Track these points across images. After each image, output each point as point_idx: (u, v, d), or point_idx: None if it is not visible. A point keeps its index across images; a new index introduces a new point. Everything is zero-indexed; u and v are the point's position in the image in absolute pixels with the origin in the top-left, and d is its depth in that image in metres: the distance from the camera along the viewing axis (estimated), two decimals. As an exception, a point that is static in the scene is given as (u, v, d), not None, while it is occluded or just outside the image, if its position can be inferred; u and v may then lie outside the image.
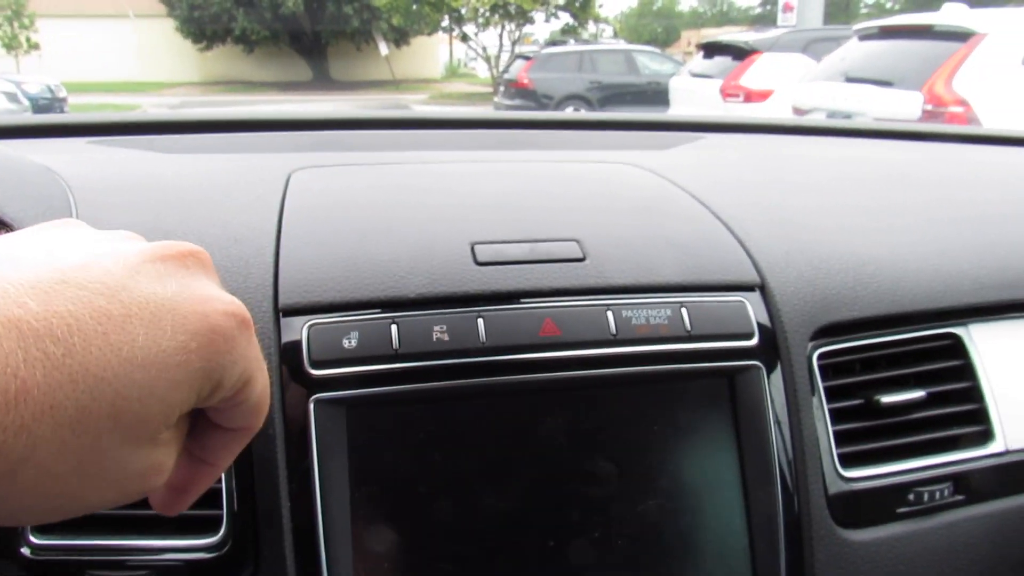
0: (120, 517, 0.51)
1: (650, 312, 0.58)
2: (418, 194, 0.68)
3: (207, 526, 0.51)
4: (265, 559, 0.51)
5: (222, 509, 0.51)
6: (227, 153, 0.85)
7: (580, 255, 0.61)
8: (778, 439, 0.59)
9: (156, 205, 0.65)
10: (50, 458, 0.28)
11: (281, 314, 0.55)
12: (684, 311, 0.59)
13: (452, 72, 27.76)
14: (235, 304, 0.34)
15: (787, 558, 0.58)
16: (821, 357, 0.63)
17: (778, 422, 0.59)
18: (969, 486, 0.65)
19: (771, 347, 0.61)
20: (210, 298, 0.33)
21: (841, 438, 0.62)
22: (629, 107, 11.46)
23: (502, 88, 12.62)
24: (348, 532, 0.51)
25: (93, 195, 0.65)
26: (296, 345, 0.53)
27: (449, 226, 0.62)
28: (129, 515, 0.51)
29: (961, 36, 4.66)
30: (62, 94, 12.43)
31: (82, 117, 1.01)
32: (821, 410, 0.62)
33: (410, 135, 1.04)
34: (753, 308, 0.61)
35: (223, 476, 0.51)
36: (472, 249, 0.60)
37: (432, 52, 25.72)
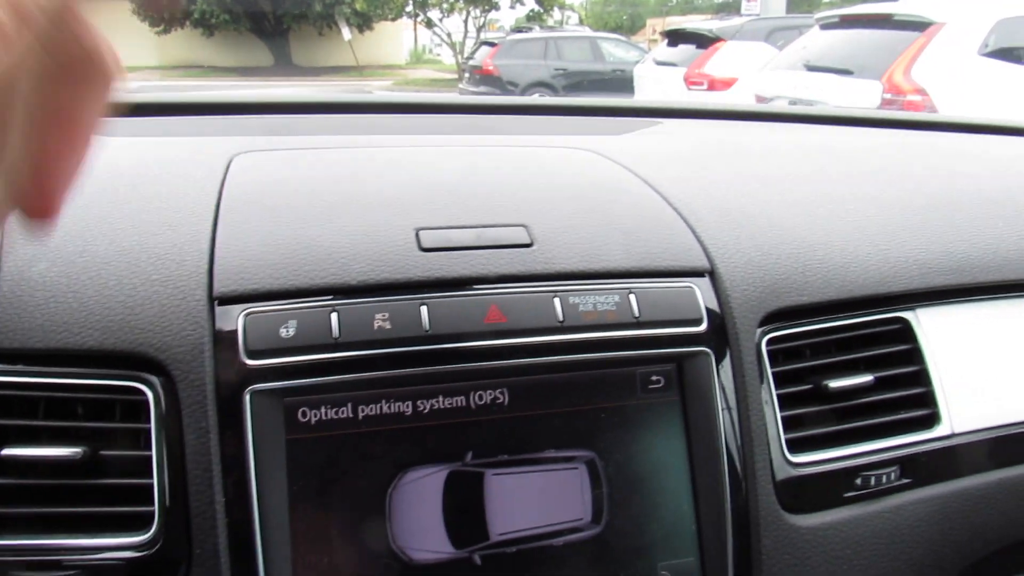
0: (47, 516, 0.49)
1: (598, 298, 0.58)
2: (363, 179, 0.66)
3: (139, 523, 0.50)
4: (198, 557, 0.49)
5: (153, 505, 0.49)
6: (168, 137, 0.82)
7: (528, 241, 0.60)
8: (726, 425, 0.59)
9: (87, 191, 0.62)
10: None
11: (216, 302, 0.53)
12: (632, 297, 0.58)
13: (417, 58, 27.51)
14: None
15: (734, 544, 0.58)
16: (770, 342, 0.63)
17: (727, 408, 0.59)
18: (915, 469, 0.65)
19: (720, 333, 0.60)
20: None
21: (789, 423, 0.62)
22: (594, 94, 11.45)
23: (467, 74, 12.54)
24: (286, 528, 0.50)
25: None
26: (231, 334, 0.51)
27: (394, 211, 0.61)
28: (57, 513, 0.49)
29: (919, 25, 4.72)
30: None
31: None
32: (769, 396, 0.62)
33: (363, 120, 1.02)
34: (702, 294, 0.61)
35: (155, 471, 0.50)
36: (417, 235, 0.58)
37: (396, 38, 25.46)
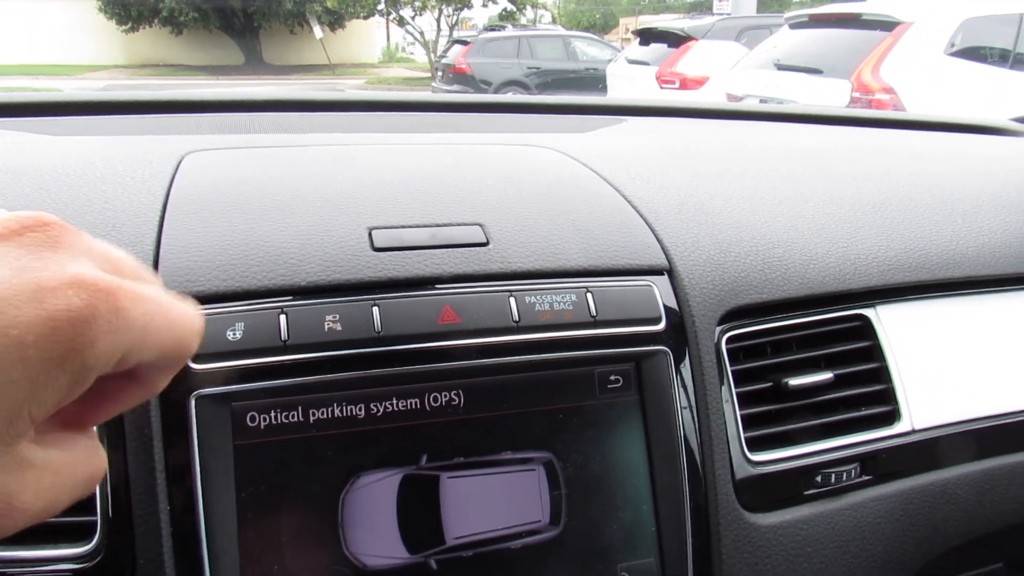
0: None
1: (554, 297, 0.57)
2: (315, 178, 0.65)
3: (80, 534, 0.48)
4: (142, 567, 0.47)
5: (96, 515, 0.48)
6: (118, 135, 0.80)
7: (483, 239, 0.59)
8: (686, 424, 0.58)
9: (30, 190, 0.61)
10: None
11: None
12: (589, 296, 0.57)
13: (389, 57, 27.39)
14: (86, 281, 0.29)
15: (694, 543, 0.57)
16: (730, 340, 0.63)
17: (686, 407, 0.59)
18: (876, 466, 0.65)
19: (679, 331, 0.60)
20: (49, 282, 0.28)
21: (749, 422, 0.62)
22: (567, 93, 11.47)
23: (440, 73, 12.51)
24: (234, 536, 0.49)
25: (-38, 180, 0.60)
26: None
27: (346, 210, 0.59)
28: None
29: (888, 25, 4.78)
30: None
31: (-36, 98, 0.94)
32: (729, 394, 0.61)
33: (322, 118, 1.00)
34: (661, 292, 0.60)
35: None
36: (370, 234, 0.57)
37: (368, 36, 25.30)
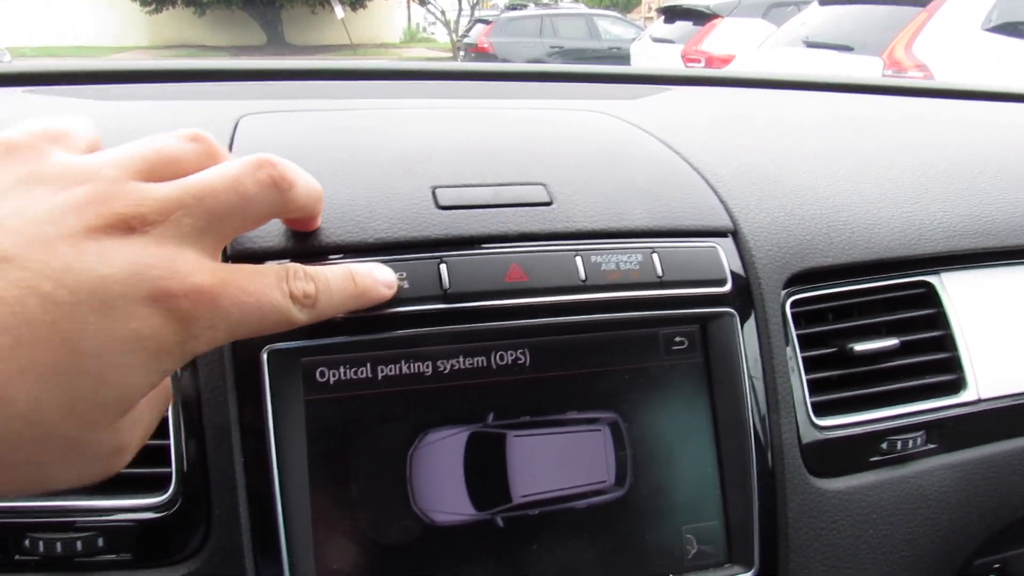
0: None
1: (620, 258, 0.56)
2: (376, 137, 0.64)
3: (156, 485, 0.48)
4: (217, 519, 0.48)
5: (171, 467, 0.48)
6: (174, 100, 0.80)
7: (547, 199, 0.58)
8: (751, 387, 0.57)
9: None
10: (2, 449, 0.27)
11: (231, 260, 0.51)
12: (655, 257, 0.57)
13: (411, 37, 27.28)
14: (195, 271, 0.32)
15: (759, 507, 0.57)
16: (794, 305, 0.62)
17: (751, 370, 0.58)
18: (941, 435, 0.64)
19: (744, 294, 0.59)
20: (162, 273, 0.31)
21: (814, 387, 0.61)
22: (591, 73, 11.35)
23: (462, 53, 12.46)
24: (306, 489, 0.49)
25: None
26: None
27: (409, 169, 0.59)
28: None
29: (921, 0, 4.68)
30: (7, 59, 11.96)
31: (20, 66, 0.95)
32: (795, 358, 0.60)
33: (369, 86, 1.00)
34: (726, 254, 0.59)
35: (171, 432, 0.48)
36: (434, 193, 0.57)
37: (390, 16, 25.22)
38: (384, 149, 0.62)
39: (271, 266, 0.35)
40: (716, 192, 0.64)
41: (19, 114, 0.70)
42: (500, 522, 0.53)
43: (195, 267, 0.32)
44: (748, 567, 0.56)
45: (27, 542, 0.46)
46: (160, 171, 0.35)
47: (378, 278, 0.45)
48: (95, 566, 0.47)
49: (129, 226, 0.31)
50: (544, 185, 0.59)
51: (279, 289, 0.35)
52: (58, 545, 0.46)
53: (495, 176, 0.60)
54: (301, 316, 0.37)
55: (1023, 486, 0.67)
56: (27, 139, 0.34)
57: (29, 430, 0.27)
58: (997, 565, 0.72)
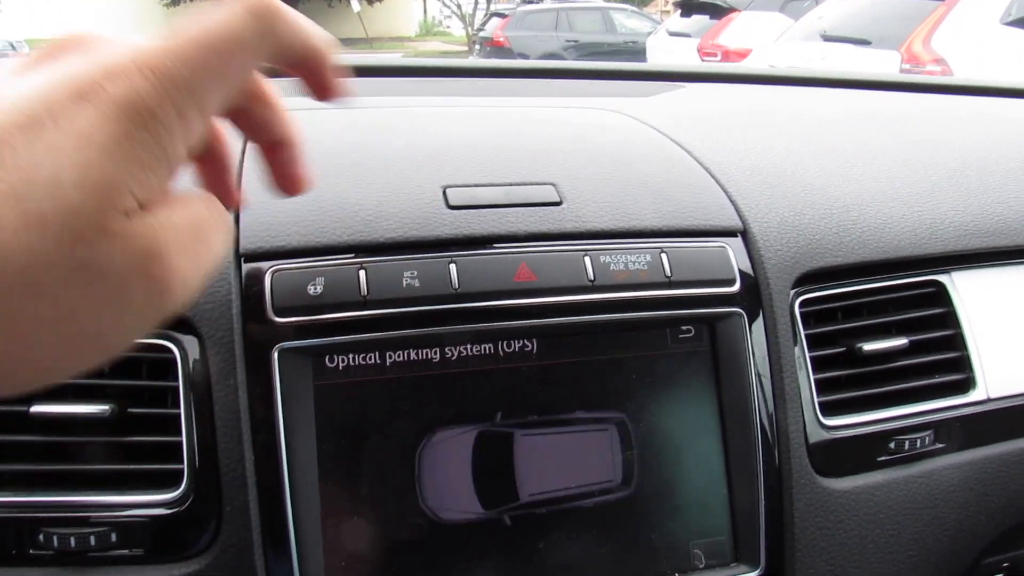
0: (75, 473, 0.49)
1: (629, 257, 0.56)
2: (388, 136, 0.65)
3: (168, 481, 0.49)
4: (228, 514, 0.49)
5: (182, 463, 0.49)
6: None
7: (557, 199, 0.59)
8: (759, 387, 0.58)
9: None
10: (22, 286, 0.25)
11: (243, 259, 0.52)
12: (664, 256, 0.57)
13: (426, 30, 27.28)
14: (119, 55, 0.29)
15: (766, 507, 0.57)
16: (803, 304, 0.62)
17: (759, 370, 0.58)
18: (950, 434, 0.64)
19: (753, 294, 0.59)
20: (79, 71, 0.28)
21: (822, 386, 0.61)
22: (606, 66, 11.32)
23: (477, 46, 12.45)
24: (315, 485, 0.50)
25: None
26: (259, 292, 0.51)
27: (420, 168, 0.59)
28: (84, 471, 0.49)
29: (939, -6, 4.63)
30: (25, 51, 12.07)
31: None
32: (803, 358, 0.60)
33: (382, 83, 1.00)
34: (735, 254, 0.59)
35: (183, 428, 0.49)
36: (444, 192, 0.57)
37: (406, 9, 25.22)
38: (395, 148, 0.63)
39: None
40: (726, 191, 0.64)
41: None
42: (508, 521, 0.53)
43: (126, 53, 0.29)
44: (754, 566, 0.56)
45: (41, 536, 0.47)
46: None
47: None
48: (108, 561, 0.48)
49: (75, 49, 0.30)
50: (554, 185, 0.60)
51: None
52: (72, 540, 0.47)
53: (505, 175, 0.60)
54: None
55: (1032, 487, 0.67)
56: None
57: (12, 256, 0.25)
58: (1006, 564, 0.72)
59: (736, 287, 0.58)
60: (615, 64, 1.17)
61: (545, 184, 0.60)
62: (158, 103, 0.29)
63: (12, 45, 11.88)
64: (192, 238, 0.30)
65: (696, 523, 0.57)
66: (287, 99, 0.76)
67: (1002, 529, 0.67)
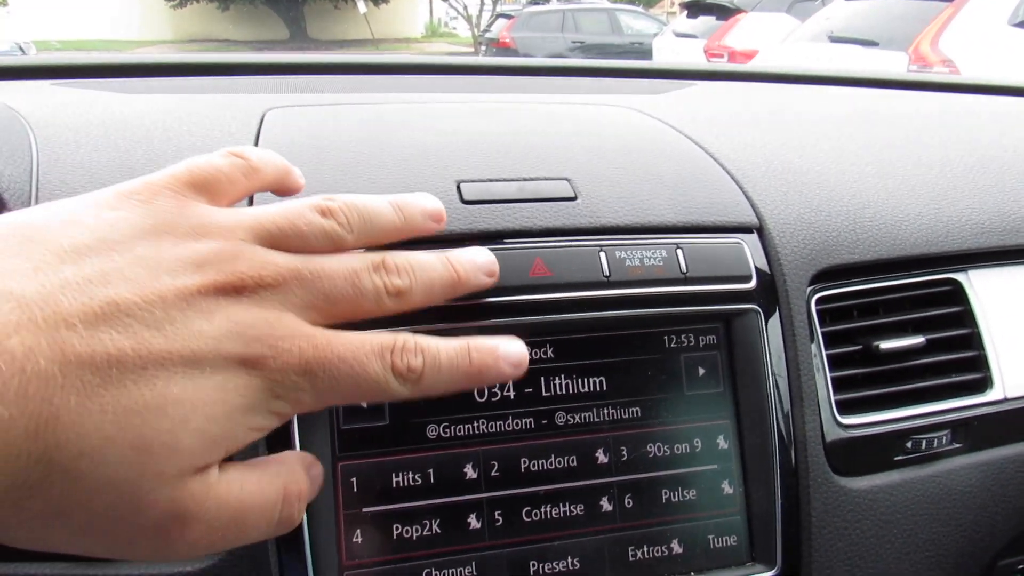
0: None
1: (644, 253, 0.56)
2: (401, 131, 0.65)
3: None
4: None
5: None
6: (200, 93, 0.81)
7: (571, 194, 0.58)
8: (775, 385, 0.57)
9: (121, 143, 0.61)
10: (63, 487, 0.27)
11: None
12: (680, 252, 0.56)
13: (433, 31, 27.31)
14: (291, 336, 0.32)
15: (783, 506, 0.56)
16: (819, 302, 0.61)
17: (775, 368, 0.57)
18: (967, 433, 0.63)
19: (769, 291, 0.59)
20: (258, 334, 0.31)
21: (839, 385, 0.60)
22: (612, 68, 11.31)
23: (484, 48, 12.46)
24: (330, 483, 0.49)
25: (55, 132, 0.61)
26: None
27: (433, 164, 0.59)
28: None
29: (947, -5, 4.62)
30: (32, 52, 12.09)
31: (48, 59, 0.96)
32: (819, 356, 0.60)
33: (393, 80, 1.00)
34: (751, 250, 0.59)
35: None
36: (458, 187, 0.57)
37: (412, 10, 25.26)
38: (409, 143, 0.62)
39: (376, 335, 0.33)
40: (741, 188, 0.63)
41: (46, 105, 0.71)
42: (524, 515, 0.53)
43: (292, 331, 0.32)
44: (770, 566, 0.56)
45: None
46: (287, 243, 0.36)
47: (500, 355, 0.39)
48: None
49: (243, 286, 0.32)
50: (568, 180, 0.59)
51: (380, 361, 0.34)
52: None
53: (519, 171, 0.60)
54: (402, 390, 0.35)
55: (1051, 487, 0.66)
56: (170, 184, 0.35)
57: (94, 469, 0.27)
58: (1022, 567, 0.71)
59: (752, 284, 0.58)
60: (625, 62, 1.16)
61: (560, 179, 0.59)
62: (291, 399, 0.32)
63: (20, 47, 11.89)
64: (230, 522, 0.32)
65: (712, 522, 0.56)
66: (299, 95, 0.75)
67: (1020, 530, 0.67)
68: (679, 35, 8.57)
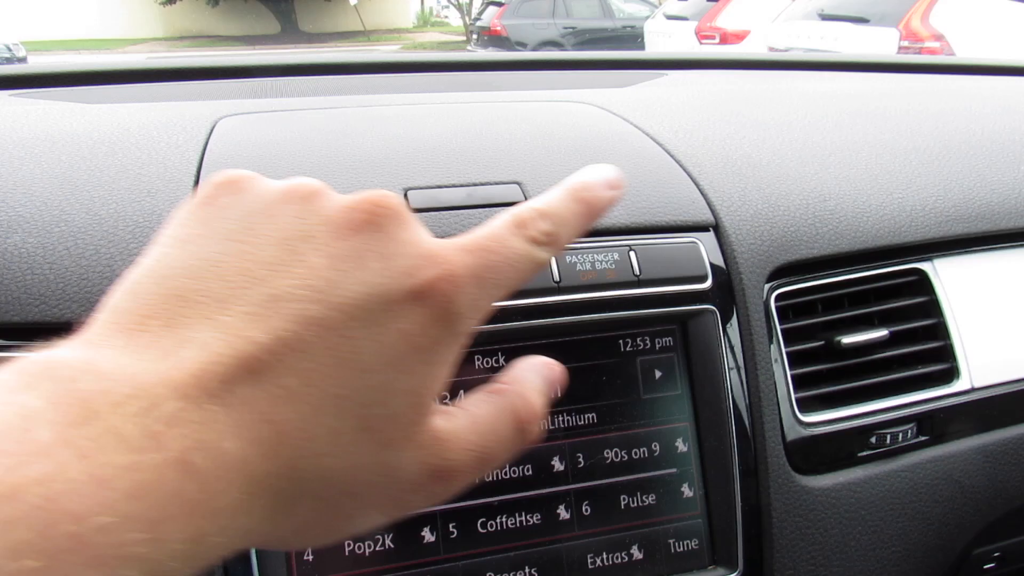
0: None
1: (596, 256, 0.55)
2: (349, 139, 0.64)
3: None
4: None
5: None
6: (151, 102, 0.80)
7: (522, 198, 0.57)
8: (734, 385, 0.56)
9: (66, 157, 0.60)
10: (315, 486, 0.27)
11: None
12: (632, 255, 0.55)
13: (424, 21, 27.15)
14: (442, 256, 0.30)
15: (743, 507, 0.56)
16: (779, 298, 0.60)
17: (734, 368, 0.57)
18: (933, 426, 0.63)
19: (726, 290, 0.58)
20: (418, 263, 0.30)
21: (800, 382, 0.60)
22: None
23: (475, 36, 12.39)
24: None
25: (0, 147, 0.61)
26: None
27: (381, 171, 0.58)
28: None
29: (937, -31, 4.58)
30: (21, 53, 12.00)
31: (5, 69, 0.95)
32: (779, 354, 0.59)
33: (356, 80, 0.99)
34: (707, 249, 0.58)
35: None
36: (405, 195, 0.56)
37: (403, 1, 25.11)
38: (357, 150, 0.61)
39: (502, 219, 0.33)
40: (698, 185, 0.62)
41: (4, 117, 0.70)
42: (479, 527, 0.52)
43: (442, 252, 0.31)
44: (732, 568, 0.55)
45: None
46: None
47: (599, 183, 0.38)
48: None
49: (371, 226, 0.30)
50: (519, 184, 0.58)
51: (520, 238, 0.33)
52: None
53: (469, 175, 0.59)
54: (545, 255, 0.34)
55: (1018, 476, 0.66)
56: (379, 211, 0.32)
57: (335, 461, 0.27)
58: (997, 553, 0.71)
59: (708, 284, 0.57)
60: (593, 54, 1.15)
61: (510, 183, 0.58)
62: (470, 310, 0.30)
63: (8, 47, 11.82)
64: (476, 461, 0.31)
65: (672, 526, 0.55)
66: (253, 101, 0.74)
67: (989, 520, 0.66)
68: (670, 17, 8.52)
